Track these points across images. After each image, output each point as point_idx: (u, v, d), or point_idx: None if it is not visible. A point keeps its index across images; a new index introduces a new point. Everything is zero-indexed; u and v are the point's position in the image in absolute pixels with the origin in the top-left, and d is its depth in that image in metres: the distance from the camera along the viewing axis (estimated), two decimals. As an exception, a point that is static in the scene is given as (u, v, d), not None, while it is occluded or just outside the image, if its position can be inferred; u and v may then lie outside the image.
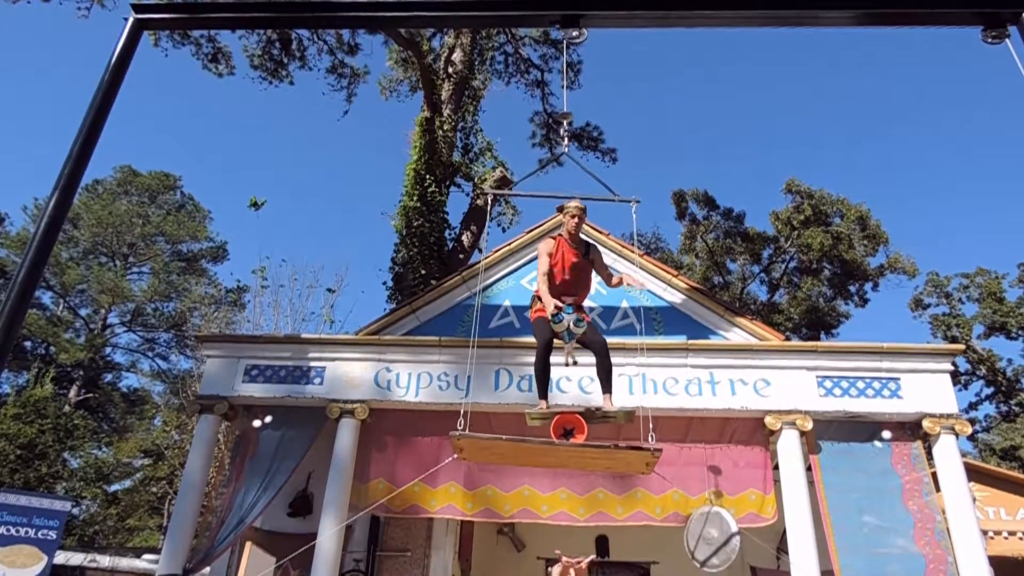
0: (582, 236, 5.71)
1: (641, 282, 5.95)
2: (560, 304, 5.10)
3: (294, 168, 58.01)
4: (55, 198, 4.57)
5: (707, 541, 6.55)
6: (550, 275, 5.39)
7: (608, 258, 8.20)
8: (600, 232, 8.30)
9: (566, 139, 7.00)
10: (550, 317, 5.16)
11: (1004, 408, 25.78)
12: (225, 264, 33.11)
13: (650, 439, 5.06)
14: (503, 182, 14.73)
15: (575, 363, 5.75)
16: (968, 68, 49.97)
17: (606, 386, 5.28)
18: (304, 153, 58.76)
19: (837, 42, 50.02)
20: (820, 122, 54.68)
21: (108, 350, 30.07)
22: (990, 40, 4.89)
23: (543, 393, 5.34)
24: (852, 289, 25.55)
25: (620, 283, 5.69)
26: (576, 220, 5.54)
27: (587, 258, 5.55)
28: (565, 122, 7.54)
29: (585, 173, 6.35)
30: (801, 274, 25.80)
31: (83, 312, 30.39)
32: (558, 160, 6.87)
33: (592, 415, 5.14)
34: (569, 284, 5.40)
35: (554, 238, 5.65)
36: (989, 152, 50.68)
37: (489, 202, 9.02)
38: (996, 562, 6.25)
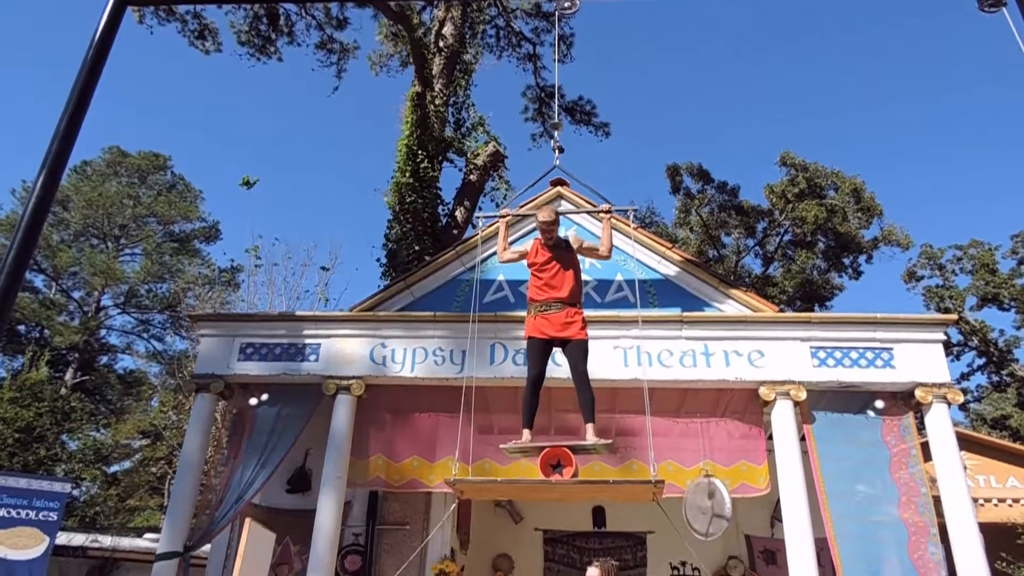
0: (562, 238, 5.67)
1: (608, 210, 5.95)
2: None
3: (285, 146, 57.53)
4: (43, 177, 4.52)
5: (702, 511, 6.65)
6: (534, 279, 5.48)
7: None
8: (593, 207, 8.26)
9: (557, 152, 6.95)
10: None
11: (995, 378, 26.01)
12: (218, 244, 32.91)
13: (651, 470, 5.05)
14: (495, 157, 14.66)
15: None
16: (962, 37, 49.67)
17: (587, 416, 5.16)
18: (295, 131, 58.26)
19: (830, 13, 49.62)
20: (814, 94, 54.42)
21: (103, 332, 29.97)
22: (987, 8, 4.84)
23: (527, 422, 5.25)
24: (846, 262, 25.62)
25: (609, 246, 5.68)
26: (543, 233, 5.51)
27: (566, 253, 5.49)
28: (556, 133, 7.47)
29: (582, 153, 6.32)
30: (795, 247, 25.83)
31: (76, 295, 30.24)
32: (559, 149, 6.87)
33: (571, 450, 5.03)
34: (551, 284, 5.37)
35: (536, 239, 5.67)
36: (984, 123, 50.61)
37: (489, 212, 8.99)
38: (986, 529, 6.34)
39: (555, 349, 5.52)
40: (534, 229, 7.92)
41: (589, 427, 5.13)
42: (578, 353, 5.24)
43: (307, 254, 23.22)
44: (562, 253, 5.48)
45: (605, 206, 5.89)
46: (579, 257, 5.76)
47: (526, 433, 5.23)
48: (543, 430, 6.71)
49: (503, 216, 6.06)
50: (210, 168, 53.80)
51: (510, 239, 8.04)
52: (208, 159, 52.95)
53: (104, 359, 30.37)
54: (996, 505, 10.01)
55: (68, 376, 26.46)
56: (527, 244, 5.77)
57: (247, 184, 15.15)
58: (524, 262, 5.76)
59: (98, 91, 4.88)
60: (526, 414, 5.27)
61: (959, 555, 5.95)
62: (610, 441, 5.18)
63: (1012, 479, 10.28)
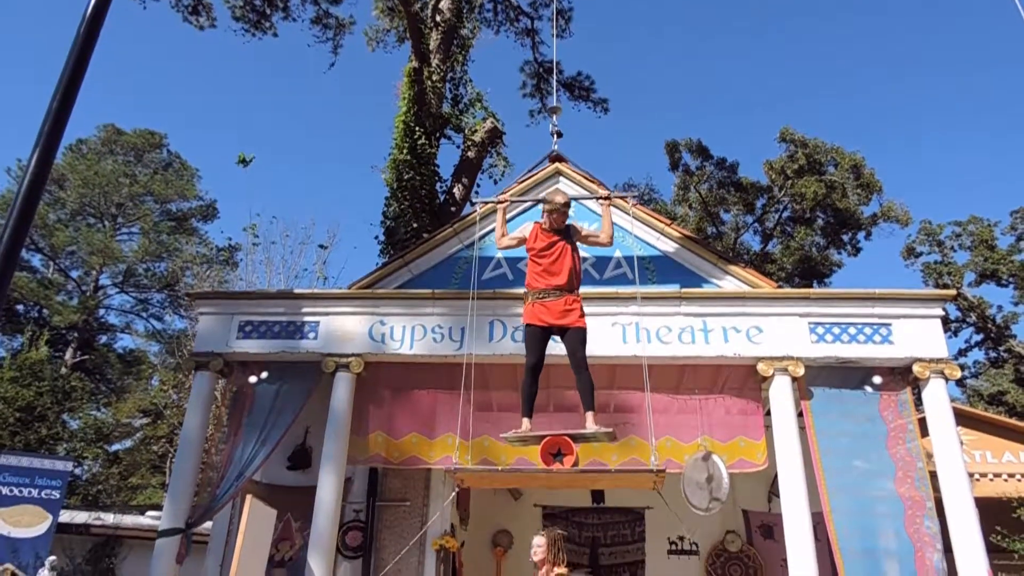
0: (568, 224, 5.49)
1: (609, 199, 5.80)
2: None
3: (281, 123, 57.08)
4: (37, 154, 4.46)
5: (700, 486, 6.69)
6: (532, 265, 5.32)
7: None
8: (592, 181, 8.22)
9: (555, 138, 6.83)
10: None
11: (993, 354, 26.11)
12: (215, 222, 32.74)
13: (651, 447, 5.03)
14: (493, 133, 14.53)
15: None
16: (964, 14, 49.13)
17: (587, 403, 5.10)
18: (291, 107, 57.74)
19: (833, -14, 48.91)
20: (815, 70, 53.94)
21: (102, 311, 29.95)
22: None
23: (527, 411, 5.18)
24: (845, 238, 25.57)
25: (610, 233, 5.59)
26: (554, 216, 5.32)
27: (566, 238, 5.35)
28: (554, 117, 7.38)
29: (580, 129, 6.28)
30: (794, 223, 25.77)
31: (74, 274, 30.17)
32: (557, 134, 6.87)
33: (572, 438, 4.96)
34: (550, 271, 5.25)
35: (537, 223, 5.52)
36: (984, 99, 50.23)
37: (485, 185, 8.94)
38: (982, 503, 6.39)
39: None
40: (528, 210, 7.88)
41: (589, 415, 5.07)
42: (576, 341, 5.16)
43: (305, 232, 23.26)
44: (562, 238, 5.35)
45: (604, 192, 5.78)
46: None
47: (525, 422, 5.16)
48: (542, 407, 6.73)
49: (500, 202, 5.94)
50: (206, 146, 53.40)
51: (512, 212, 7.98)
52: (204, 137, 52.57)
53: (103, 338, 30.40)
54: (992, 480, 10.10)
55: (68, 355, 26.51)
56: (525, 228, 5.65)
57: (244, 161, 15.05)
58: (523, 247, 5.64)
59: (91, 70, 4.79)
60: (525, 403, 5.19)
61: (955, 529, 6.02)
62: (611, 430, 5.12)
63: (1008, 454, 10.36)
